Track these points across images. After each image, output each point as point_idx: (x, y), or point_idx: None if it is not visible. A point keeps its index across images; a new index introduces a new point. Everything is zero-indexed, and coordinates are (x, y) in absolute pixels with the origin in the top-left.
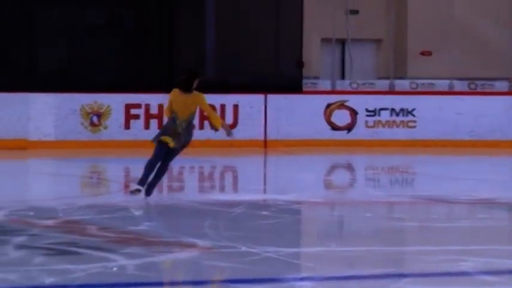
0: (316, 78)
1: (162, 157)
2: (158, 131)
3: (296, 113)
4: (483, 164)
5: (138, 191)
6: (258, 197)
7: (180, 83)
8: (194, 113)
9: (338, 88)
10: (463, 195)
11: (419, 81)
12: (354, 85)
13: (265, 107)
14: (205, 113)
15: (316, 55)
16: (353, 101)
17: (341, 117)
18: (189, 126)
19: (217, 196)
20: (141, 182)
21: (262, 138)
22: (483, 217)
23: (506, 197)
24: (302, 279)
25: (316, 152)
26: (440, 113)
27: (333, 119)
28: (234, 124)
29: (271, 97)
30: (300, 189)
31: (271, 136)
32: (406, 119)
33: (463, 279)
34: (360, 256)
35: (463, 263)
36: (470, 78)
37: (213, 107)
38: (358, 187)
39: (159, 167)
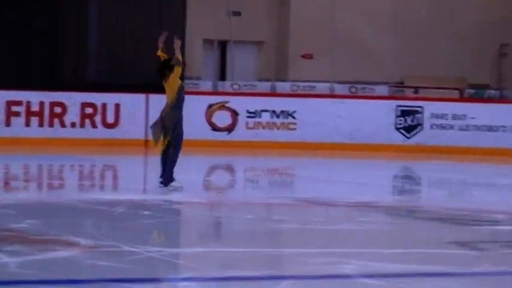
0: (198, 79)
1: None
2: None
3: None
4: (362, 168)
5: (181, 187)
6: (139, 196)
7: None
8: (174, 98)
9: (219, 89)
10: (342, 198)
11: (300, 84)
12: (235, 86)
13: (147, 106)
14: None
15: (198, 56)
16: (234, 102)
17: (222, 118)
18: (172, 109)
19: (97, 195)
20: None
21: (143, 137)
22: (362, 220)
23: (385, 200)
24: (184, 279)
25: (196, 153)
26: (320, 116)
27: (214, 120)
28: (116, 123)
29: (153, 97)
30: (181, 189)
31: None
32: (286, 121)
33: (344, 282)
34: (241, 257)
35: (343, 265)
36: (351, 82)
37: (94, 106)
38: (238, 188)
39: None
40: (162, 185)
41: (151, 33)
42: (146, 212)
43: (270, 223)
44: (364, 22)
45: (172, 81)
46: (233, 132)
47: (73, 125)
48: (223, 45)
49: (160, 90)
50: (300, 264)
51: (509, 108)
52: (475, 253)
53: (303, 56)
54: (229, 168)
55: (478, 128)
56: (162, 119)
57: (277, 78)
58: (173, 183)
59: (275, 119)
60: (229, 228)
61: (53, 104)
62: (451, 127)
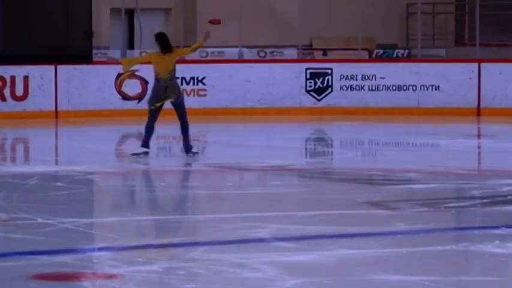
0: (107, 48)
1: (155, 119)
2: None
3: (87, 84)
4: (274, 132)
5: (147, 153)
6: (51, 168)
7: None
8: (172, 69)
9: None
10: (255, 162)
11: (209, 50)
12: (144, 55)
13: (56, 77)
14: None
15: (106, 25)
16: (143, 70)
17: (131, 87)
18: (172, 80)
19: (9, 168)
20: (145, 143)
21: (53, 109)
22: (275, 184)
23: (297, 163)
24: (100, 249)
25: (107, 123)
26: (230, 81)
27: (124, 89)
28: (25, 95)
29: (62, 68)
30: (93, 159)
31: (62, 107)
32: (196, 87)
33: (260, 246)
34: (157, 225)
35: (258, 229)
36: (259, 46)
37: (3, 79)
38: (150, 156)
39: (181, 127)
40: (192, 154)
41: (57, 2)
42: (59, 184)
43: (183, 190)
44: None
45: (173, 52)
46: (143, 101)
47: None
48: (130, 14)
49: (69, 61)
50: (215, 229)
51: (418, 67)
52: (389, 212)
53: (211, 22)
54: (140, 137)
55: (387, 87)
56: (165, 89)
57: (186, 45)
58: (143, 149)
59: (185, 86)
60: (142, 197)
61: None
62: (361, 88)
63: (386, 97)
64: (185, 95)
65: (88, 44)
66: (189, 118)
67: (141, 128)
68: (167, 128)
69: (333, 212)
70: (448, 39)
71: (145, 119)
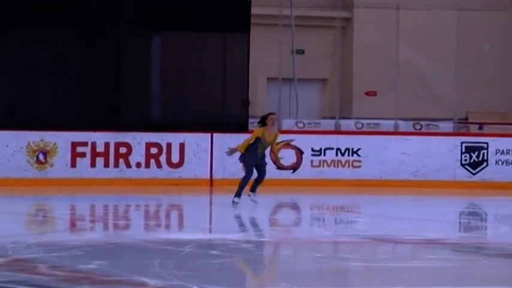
0: None
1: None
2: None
3: None
4: (428, 205)
5: (236, 203)
6: (206, 236)
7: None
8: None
9: (284, 127)
10: (409, 235)
11: (364, 121)
12: (300, 124)
13: (211, 145)
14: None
15: (262, 94)
16: (299, 140)
17: (287, 157)
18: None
19: (164, 235)
20: (239, 194)
21: (208, 177)
22: (429, 257)
23: (451, 237)
24: None
25: (262, 191)
26: (385, 153)
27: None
28: (181, 162)
29: (218, 136)
30: (247, 228)
31: (217, 175)
32: (351, 158)
33: None
34: None
35: None
36: (415, 118)
37: (159, 146)
38: (304, 226)
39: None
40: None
41: (215, 71)
42: (214, 252)
43: (337, 261)
44: (427, 58)
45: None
46: (298, 171)
47: (138, 165)
48: (287, 83)
49: (225, 129)
50: None
51: None
52: None
53: (367, 93)
54: (295, 207)
55: None
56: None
57: (341, 116)
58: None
59: (340, 157)
60: (297, 267)
61: (118, 145)
62: None
63: None
64: (339, 166)
65: (244, 113)
66: (343, 189)
67: (296, 198)
68: (320, 199)
69: None
70: None
71: (300, 189)
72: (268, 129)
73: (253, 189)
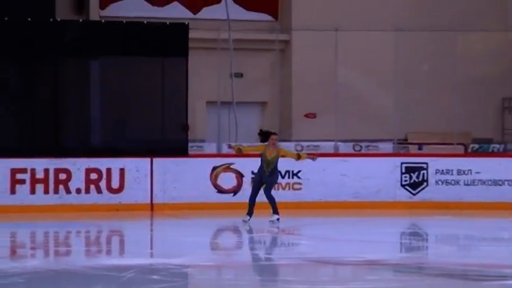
0: (202, 141)
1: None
2: None
3: (182, 177)
4: (369, 226)
5: (245, 221)
6: (147, 261)
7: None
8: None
9: (224, 151)
10: (350, 256)
11: (304, 143)
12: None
13: (151, 170)
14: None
15: (201, 118)
16: (239, 163)
17: (227, 180)
18: (275, 169)
19: (106, 261)
20: (249, 213)
21: (149, 201)
22: (371, 279)
23: (393, 258)
24: None
25: (202, 215)
26: (325, 175)
27: (219, 182)
28: (121, 188)
29: (158, 161)
30: (188, 252)
31: (157, 199)
32: (291, 181)
33: None
34: None
35: None
36: (354, 140)
37: (99, 171)
38: (245, 250)
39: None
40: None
41: (153, 95)
42: (155, 276)
43: (278, 284)
44: (366, 79)
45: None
46: (239, 194)
47: (78, 191)
48: (226, 107)
49: (165, 154)
50: None
51: None
52: None
53: (306, 115)
54: (236, 230)
55: (483, 182)
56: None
57: (281, 138)
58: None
59: (280, 180)
60: None
61: (57, 171)
62: (457, 182)
63: (482, 192)
64: (280, 189)
65: (184, 137)
66: (284, 211)
67: (236, 221)
68: (261, 222)
69: None
70: None
71: (241, 212)
72: (269, 147)
73: (274, 212)
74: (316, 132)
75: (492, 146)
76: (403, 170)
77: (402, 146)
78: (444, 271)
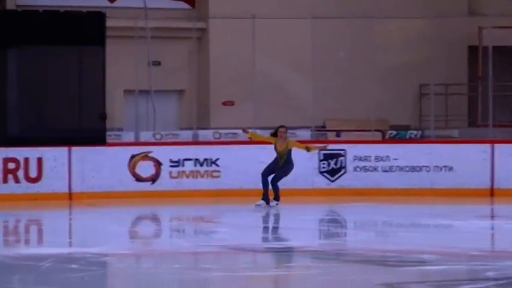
0: (120, 130)
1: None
2: None
3: (100, 165)
4: (287, 213)
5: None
6: (65, 250)
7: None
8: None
9: (142, 139)
10: (268, 243)
11: (222, 131)
12: (158, 136)
13: (70, 159)
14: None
15: (119, 107)
16: (157, 152)
17: (145, 169)
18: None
19: (23, 250)
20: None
21: (67, 190)
22: (290, 265)
23: (310, 245)
24: None
25: (121, 204)
26: (243, 162)
27: (137, 171)
28: (39, 177)
29: (76, 150)
30: (107, 241)
31: (75, 189)
32: (210, 169)
33: None
34: None
35: None
36: (273, 127)
37: (17, 161)
38: (164, 238)
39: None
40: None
41: (71, 84)
42: (73, 266)
43: (197, 272)
44: (284, 66)
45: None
46: (157, 182)
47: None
48: (144, 95)
49: (83, 143)
50: None
51: (431, 148)
52: None
53: (224, 103)
54: (155, 218)
55: (401, 169)
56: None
57: (199, 127)
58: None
59: (198, 167)
60: (157, 279)
61: None
62: (374, 169)
63: (400, 178)
64: (199, 177)
65: (102, 126)
66: (203, 200)
67: (156, 209)
68: (180, 210)
69: None
70: (461, 120)
71: (160, 200)
72: (279, 140)
73: (275, 198)
74: (234, 120)
75: (409, 132)
76: (321, 157)
77: (320, 133)
78: (363, 257)
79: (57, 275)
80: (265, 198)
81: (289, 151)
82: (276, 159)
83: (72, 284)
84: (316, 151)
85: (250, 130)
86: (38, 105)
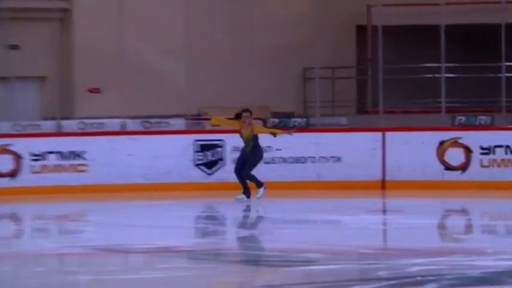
0: None
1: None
2: None
3: None
4: (161, 209)
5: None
6: None
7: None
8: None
9: (1, 131)
10: (141, 243)
11: (88, 121)
12: (18, 127)
13: None
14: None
15: None
16: (17, 144)
17: (4, 163)
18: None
19: None
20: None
21: None
22: (163, 267)
23: (186, 244)
24: None
25: None
26: (112, 155)
27: None
28: None
29: None
30: None
31: None
32: (75, 162)
33: None
34: None
35: None
36: (144, 116)
37: None
38: (25, 239)
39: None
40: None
41: None
42: None
43: (62, 275)
44: (155, 51)
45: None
46: (17, 177)
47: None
48: (4, 82)
49: None
50: None
51: (317, 137)
52: None
53: (90, 91)
54: (15, 217)
55: (284, 160)
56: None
57: (63, 116)
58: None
59: (63, 161)
60: (19, 284)
61: None
62: None
63: (283, 170)
64: (63, 171)
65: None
66: (68, 196)
67: (16, 207)
68: (43, 208)
69: None
70: (349, 107)
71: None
72: (243, 126)
73: (258, 186)
74: (101, 108)
75: (293, 120)
76: (197, 149)
77: (196, 122)
78: (243, 257)
79: None
80: (246, 192)
81: (255, 137)
82: (242, 151)
83: None
84: (283, 135)
85: (213, 115)
86: None
